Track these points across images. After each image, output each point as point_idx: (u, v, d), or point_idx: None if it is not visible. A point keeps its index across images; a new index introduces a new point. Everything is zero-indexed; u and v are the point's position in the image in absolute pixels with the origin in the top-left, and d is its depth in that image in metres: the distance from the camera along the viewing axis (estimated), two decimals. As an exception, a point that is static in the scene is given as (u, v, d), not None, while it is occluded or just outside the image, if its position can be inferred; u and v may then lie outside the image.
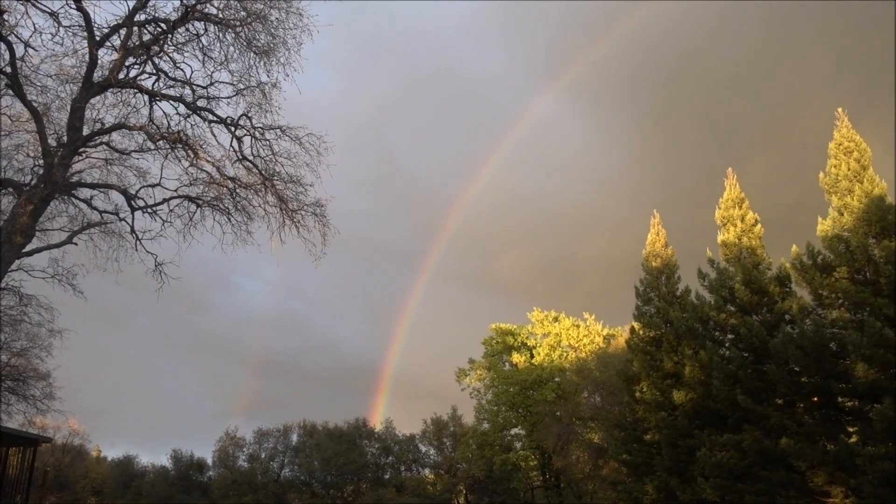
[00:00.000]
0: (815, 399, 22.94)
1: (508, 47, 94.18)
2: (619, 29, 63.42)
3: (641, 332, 30.40)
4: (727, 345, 26.69)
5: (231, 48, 15.37)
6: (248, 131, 16.17)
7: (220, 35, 15.19)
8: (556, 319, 50.74)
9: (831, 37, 70.67)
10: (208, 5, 14.76)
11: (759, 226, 27.44)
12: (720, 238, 27.83)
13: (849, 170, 23.27)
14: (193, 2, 14.53)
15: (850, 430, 21.82)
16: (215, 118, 15.98)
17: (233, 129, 16.04)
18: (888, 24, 62.63)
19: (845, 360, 21.26)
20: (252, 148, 16.32)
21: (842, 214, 22.97)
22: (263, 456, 65.15)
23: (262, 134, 16.23)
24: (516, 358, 50.19)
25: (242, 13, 14.93)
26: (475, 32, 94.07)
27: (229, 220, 16.60)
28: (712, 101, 78.54)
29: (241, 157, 16.27)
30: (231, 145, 16.23)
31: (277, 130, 16.12)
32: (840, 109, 24.34)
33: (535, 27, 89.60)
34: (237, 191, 16.32)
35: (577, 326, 49.76)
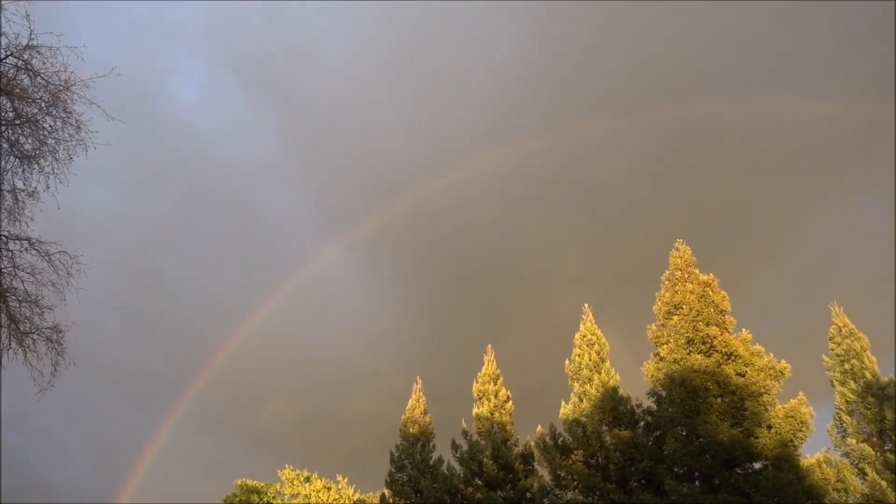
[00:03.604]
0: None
1: (300, 193, 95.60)
2: (404, 200, 67.66)
3: (391, 501, 29.79)
4: (472, 519, 26.94)
5: (-13, 146, 13.91)
6: (-13, 238, 14.35)
7: (-22, 131, 13.74)
8: (307, 479, 48.24)
9: (584, 242, 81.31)
10: (-30, 97, 13.40)
11: (510, 402, 28.98)
12: (475, 411, 28.86)
13: (590, 360, 25.81)
14: (-47, 90, 13.12)
15: None
16: (-51, 217, 14.05)
17: (-31, 232, 14.16)
18: (632, 232, 73.41)
19: (576, 542, 22.34)
20: (-12, 257, 14.45)
21: (581, 400, 25.11)
22: None
23: (6, 244, 14.48)
24: (258, 520, 46.49)
25: (11, 114, 13.72)
26: (268, 171, 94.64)
27: (-62, 334, 14.20)
28: (483, 281, 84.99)
29: (-29, 264, 14.28)
30: (-37, 250, 14.25)
31: (25, 242, 14.47)
32: (586, 305, 27.42)
33: (327, 180, 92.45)
34: (-44, 302, 14.14)
35: (329, 489, 47.60)
